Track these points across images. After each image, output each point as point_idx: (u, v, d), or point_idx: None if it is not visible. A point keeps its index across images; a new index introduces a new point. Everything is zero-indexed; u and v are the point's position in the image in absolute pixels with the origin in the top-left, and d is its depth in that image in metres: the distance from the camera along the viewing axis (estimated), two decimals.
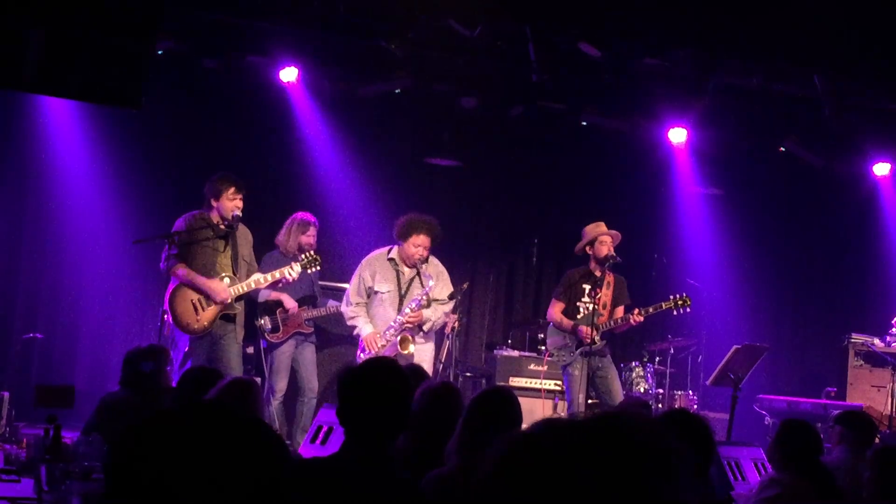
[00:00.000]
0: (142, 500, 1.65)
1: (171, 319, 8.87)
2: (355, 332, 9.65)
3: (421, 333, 9.60)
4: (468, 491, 4.13)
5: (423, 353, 9.53)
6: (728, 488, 6.59)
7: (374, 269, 9.64)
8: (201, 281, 8.86)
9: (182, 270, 8.86)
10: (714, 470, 6.08)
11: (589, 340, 9.68)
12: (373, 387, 3.88)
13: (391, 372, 4.04)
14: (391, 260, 9.61)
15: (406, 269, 9.58)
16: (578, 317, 9.90)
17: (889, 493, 4.60)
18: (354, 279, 9.74)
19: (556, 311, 10.09)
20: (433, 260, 9.72)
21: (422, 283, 9.51)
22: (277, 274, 9.14)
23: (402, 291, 9.55)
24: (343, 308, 9.79)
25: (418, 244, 9.44)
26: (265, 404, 9.50)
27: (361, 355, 9.48)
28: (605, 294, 9.93)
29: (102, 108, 10.55)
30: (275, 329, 9.98)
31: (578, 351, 9.76)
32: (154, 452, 1.67)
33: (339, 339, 11.03)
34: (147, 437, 1.70)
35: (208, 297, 8.90)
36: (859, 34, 10.04)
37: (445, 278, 9.77)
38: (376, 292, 9.60)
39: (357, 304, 9.63)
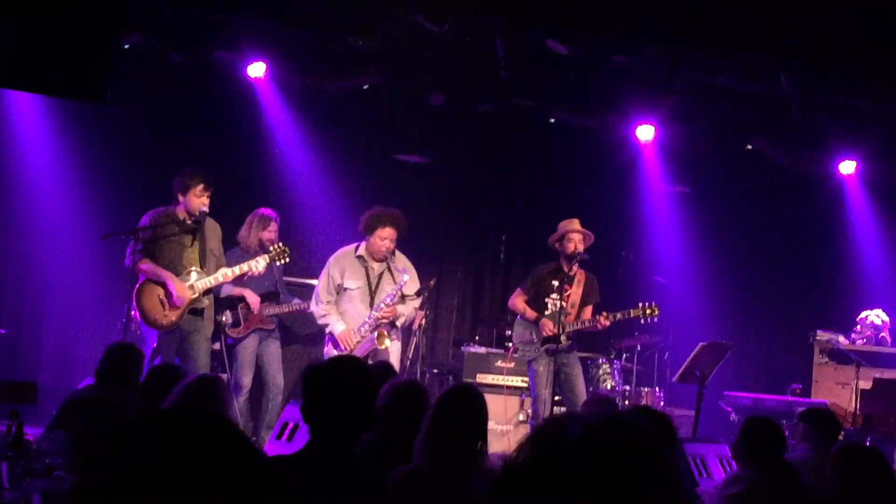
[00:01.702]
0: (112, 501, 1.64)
1: (138, 315, 8.82)
2: (328, 331, 9.58)
3: (393, 329, 9.57)
4: (434, 487, 4.13)
5: (392, 352, 9.50)
6: (693, 484, 6.62)
7: (343, 266, 9.58)
8: (165, 275, 8.82)
9: (146, 265, 8.82)
10: (680, 466, 6.11)
11: (550, 335, 9.69)
12: (337, 384, 3.87)
13: (355, 370, 4.03)
14: (360, 257, 9.56)
15: (375, 265, 9.54)
16: (546, 313, 9.90)
17: (851, 491, 4.63)
18: (323, 277, 9.67)
19: (518, 300, 10.11)
20: (400, 255, 9.69)
21: (393, 278, 9.48)
22: (245, 267, 9.09)
23: (373, 287, 9.51)
24: (313, 307, 9.71)
25: (384, 237, 9.40)
26: (233, 401, 9.50)
27: (335, 352, 9.40)
28: (575, 292, 9.93)
29: (68, 102, 10.48)
30: (235, 324, 9.94)
31: (544, 348, 9.77)
32: (124, 457, 1.66)
33: (304, 336, 11.00)
34: (119, 441, 1.69)
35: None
36: (825, 32, 10.09)
37: (414, 274, 9.75)
38: (345, 289, 9.54)
39: (327, 302, 9.55)
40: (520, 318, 10.15)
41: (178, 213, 8.98)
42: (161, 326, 8.83)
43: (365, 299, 9.49)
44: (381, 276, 9.54)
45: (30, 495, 4.47)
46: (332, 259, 9.72)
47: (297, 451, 3.90)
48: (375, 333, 9.34)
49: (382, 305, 9.35)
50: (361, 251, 9.56)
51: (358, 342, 9.34)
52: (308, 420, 3.86)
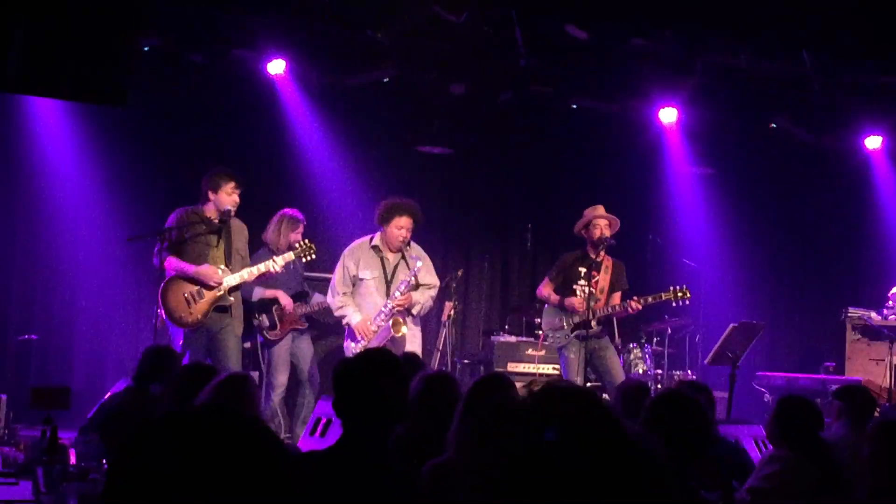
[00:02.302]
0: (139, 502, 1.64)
1: (164, 314, 8.85)
2: (344, 322, 9.60)
3: (410, 318, 9.56)
4: (468, 478, 4.12)
5: (412, 341, 9.49)
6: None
7: (358, 258, 9.59)
8: (191, 268, 8.84)
9: (172, 262, 8.84)
10: (733, 446, 6.08)
11: (580, 310, 9.65)
12: (369, 378, 3.86)
13: (387, 363, 4.02)
14: (375, 247, 9.57)
15: (390, 255, 9.54)
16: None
17: (888, 467, 4.59)
18: (338, 270, 9.68)
19: (545, 288, 10.08)
20: (415, 245, 9.69)
21: (408, 265, 9.48)
22: (262, 267, 9.10)
23: (389, 277, 9.51)
24: (329, 299, 9.73)
25: (401, 226, 9.41)
26: (266, 400, 9.53)
27: (353, 344, 9.44)
28: (603, 278, 9.90)
29: (90, 106, 10.51)
30: (272, 326, 9.97)
31: (574, 334, 9.74)
32: (150, 457, 1.66)
33: (331, 331, 11.01)
34: (145, 441, 1.69)
35: (201, 286, 8.87)
36: (845, 8, 10.01)
37: (429, 263, 9.74)
38: (361, 280, 9.54)
39: (344, 293, 9.57)
40: (548, 305, 10.12)
41: (207, 211, 9.01)
42: (187, 324, 8.85)
43: (381, 289, 9.49)
44: (396, 266, 9.54)
45: (66, 499, 4.49)
46: (346, 251, 9.74)
47: (329, 447, 3.89)
48: (391, 322, 9.34)
49: (397, 294, 9.35)
50: (376, 241, 9.58)
51: (374, 332, 9.35)
52: (340, 415, 3.85)
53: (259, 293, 9.89)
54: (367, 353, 4.47)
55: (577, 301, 9.71)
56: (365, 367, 3.94)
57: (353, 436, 3.79)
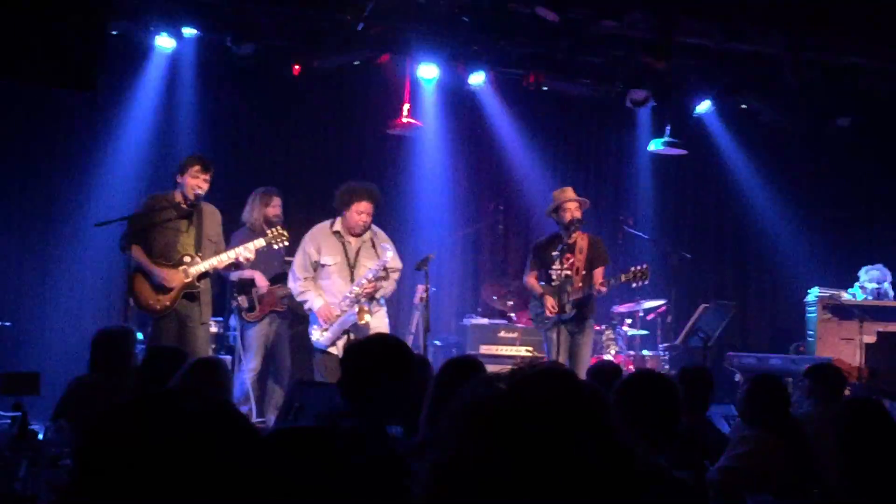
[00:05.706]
0: (107, 488, 1.63)
1: (132, 302, 8.80)
2: (307, 307, 9.50)
3: (374, 302, 9.48)
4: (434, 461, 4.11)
5: (379, 321, 9.42)
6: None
7: (319, 243, 9.47)
8: (151, 268, 8.78)
9: (135, 253, 8.79)
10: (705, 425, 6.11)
11: (553, 312, 9.66)
12: (378, 362, 3.91)
13: (399, 350, 4.06)
14: (336, 232, 9.46)
15: (352, 239, 9.42)
16: (552, 284, 9.85)
17: (853, 444, 4.62)
18: (299, 254, 9.54)
19: (529, 279, 10.11)
20: (376, 229, 9.59)
21: (377, 253, 9.36)
22: (233, 254, 9.02)
23: (352, 262, 9.40)
24: (290, 284, 9.60)
25: (361, 210, 9.29)
26: (239, 383, 9.49)
27: (316, 328, 9.35)
28: (578, 258, 9.88)
29: (58, 91, 10.42)
30: (251, 308, 9.91)
31: (554, 319, 9.74)
32: (119, 442, 1.65)
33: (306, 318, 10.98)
34: (112, 426, 1.68)
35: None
36: None
37: (393, 248, 9.67)
38: (323, 266, 9.42)
39: (305, 278, 9.44)
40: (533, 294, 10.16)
41: (176, 196, 8.96)
42: (155, 311, 8.80)
43: (344, 274, 9.37)
44: (358, 250, 9.43)
45: (37, 486, 4.46)
46: (307, 236, 9.60)
47: (328, 425, 3.90)
48: (356, 308, 9.24)
49: (364, 281, 9.23)
50: (337, 227, 9.45)
51: (338, 316, 9.27)
52: (345, 394, 3.91)
53: (237, 273, 9.80)
54: (380, 338, 4.51)
55: (549, 303, 9.72)
56: (376, 351, 4.02)
57: (356, 415, 3.85)
